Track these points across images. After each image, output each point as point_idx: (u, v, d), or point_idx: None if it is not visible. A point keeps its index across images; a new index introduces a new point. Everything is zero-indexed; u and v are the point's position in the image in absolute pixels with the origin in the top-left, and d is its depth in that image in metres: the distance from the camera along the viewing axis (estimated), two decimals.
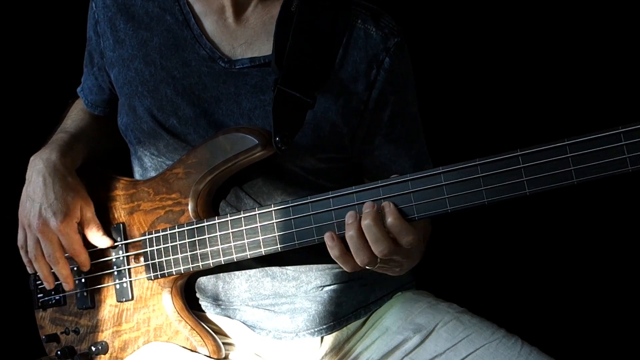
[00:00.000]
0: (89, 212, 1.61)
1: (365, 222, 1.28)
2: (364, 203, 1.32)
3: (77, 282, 1.66)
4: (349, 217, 1.30)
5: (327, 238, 1.32)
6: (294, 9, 1.49)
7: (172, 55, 1.56)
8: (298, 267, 1.58)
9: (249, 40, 1.55)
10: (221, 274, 1.58)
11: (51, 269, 1.61)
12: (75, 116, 1.76)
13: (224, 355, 1.56)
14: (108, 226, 1.63)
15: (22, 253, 1.64)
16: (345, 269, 1.35)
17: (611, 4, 2.05)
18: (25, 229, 1.61)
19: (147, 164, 1.63)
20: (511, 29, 2.15)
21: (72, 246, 1.58)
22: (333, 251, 1.32)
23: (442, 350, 1.54)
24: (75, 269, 1.66)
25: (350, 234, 1.30)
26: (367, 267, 1.33)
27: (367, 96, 1.53)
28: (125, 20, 1.60)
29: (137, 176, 1.67)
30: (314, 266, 1.58)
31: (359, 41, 1.51)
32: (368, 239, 1.29)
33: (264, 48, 1.54)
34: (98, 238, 1.60)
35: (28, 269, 1.66)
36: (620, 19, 2.05)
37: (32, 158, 1.62)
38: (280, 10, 1.50)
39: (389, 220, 1.28)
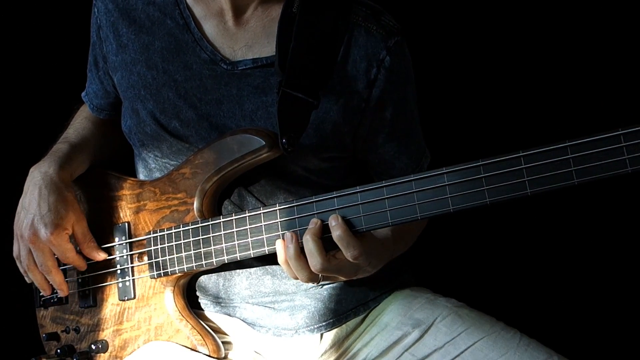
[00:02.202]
0: (81, 227, 1.62)
1: (306, 237, 1.36)
2: (367, 203, 1.35)
3: (79, 280, 1.67)
4: (288, 240, 1.38)
5: (277, 245, 1.40)
6: (295, 10, 1.49)
7: (174, 59, 1.57)
8: None
9: (249, 42, 1.55)
10: (222, 272, 1.59)
11: (45, 277, 1.63)
12: (78, 124, 1.77)
13: (223, 355, 1.57)
14: (113, 225, 1.64)
15: (18, 264, 1.66)
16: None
17: (612, 4, 2.07)
18: (19, 239, 1.62)
19: (151, 165, 1.64)
20: (513, 29, 2.16)
21: (64, 254, 1.59)
22: (280, 257, 1.40)
23: (441, 344, 1.55)
24: None
25: (289, 255, 1.38)
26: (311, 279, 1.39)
27: (367, 94, 1.53)
28: (127, 24, 1.60)
29: (142, 177, 1.68)
30: None
31: (360, 39, 1.51)
32: (306, 251, 1.36)
33: (265, 50, 1.54)
34: (93, 251, 1.62)
35: (25, 279, 1.68)
36: (620, 20, 2.07)
37: (31, 170, 1.63)
38: (282, 12, 1.50)
39: (337, 233, 1.34)
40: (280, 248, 1.39)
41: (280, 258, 1.40)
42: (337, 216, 1.35)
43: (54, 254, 1.61)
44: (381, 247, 1.45)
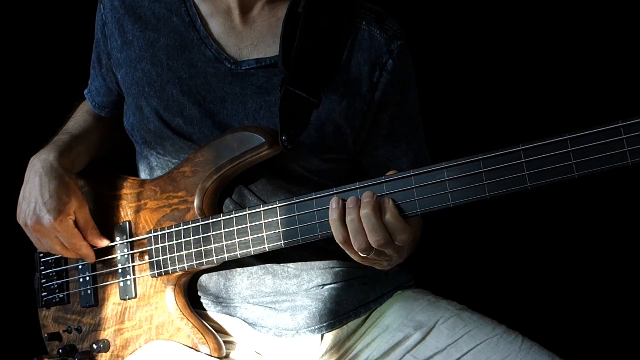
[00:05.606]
0: (84, 214, 1.62)
1: (364, 212, 1.31)
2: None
3: (81, 279, 1.67)
4: (350, 202, 1.33)
5: (333, 201, 1.35)
6: (300, 10, 1.52)
7: (179, 56, 1.58)
8: (299, 264, 1.59)
9: (254, 41, 1.57)
10: (222, 272, 1.59)
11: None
12: (79, 117, 1.77)
13: (224, 354, 1.57)
14: (113, 225, 1.65)
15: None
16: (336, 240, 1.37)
17: (611, 1, 2.07)
18: (24, 228, 1.63)
19: (153, 163, 1.64)
20: (512, 24, 2.16)
21: (70, 240, 1.59)
22: (333, 214, 1.35)
23: (443, 346, 1.55)
24: (80, 267, 1.68)
25: (350, 217, 1.33)
26: (360, 254, 1.36)
27: (369, 97, 1.55)
28: (132, 21, 1.62)
29: (144, 175, 1.68)
30: (315, 264, 1.60)
31: (363, 43, 1.54)
32: (365, 228, 1.32)
33: (270, 49, 1.56)
34: (95, 238, 1.62)
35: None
36: (620, 15, 2.07)
37: (31, 159, 1.63)
38: (287, 11, 1.52)
39: (387, 216, 1.32)
40: (334, 204, 1.35)
41: (332, 215, 1.35)
42: (388, 199, 1.32)
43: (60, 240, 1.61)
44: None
